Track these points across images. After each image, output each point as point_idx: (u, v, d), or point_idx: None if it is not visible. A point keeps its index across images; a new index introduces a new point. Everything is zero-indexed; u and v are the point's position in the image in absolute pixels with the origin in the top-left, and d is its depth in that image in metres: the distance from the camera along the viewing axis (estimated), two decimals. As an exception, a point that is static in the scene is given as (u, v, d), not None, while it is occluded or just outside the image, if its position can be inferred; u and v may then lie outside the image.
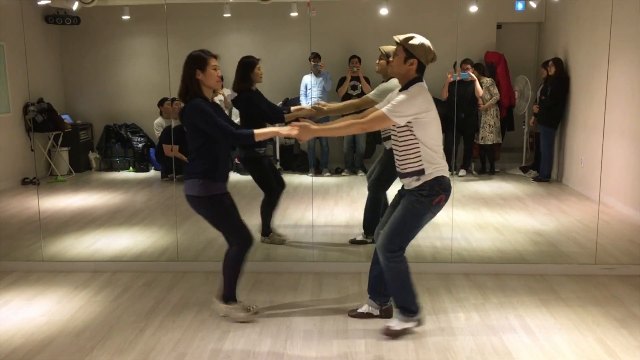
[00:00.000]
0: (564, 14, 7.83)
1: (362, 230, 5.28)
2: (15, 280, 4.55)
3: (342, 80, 7.93)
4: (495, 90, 8.09)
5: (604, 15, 6.03)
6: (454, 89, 7.47)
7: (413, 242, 4.94)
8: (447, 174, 3.49)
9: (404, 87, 3.48)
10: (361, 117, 3.60)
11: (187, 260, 4.89)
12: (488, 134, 8.09)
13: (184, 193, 3.66)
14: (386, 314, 3.75)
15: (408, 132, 3.42)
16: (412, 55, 3.43)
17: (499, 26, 8.46)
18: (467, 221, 5.91)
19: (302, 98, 7.98)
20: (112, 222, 6.12)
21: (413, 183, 3.46)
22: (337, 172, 8.17)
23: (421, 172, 3.42)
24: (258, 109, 5.02)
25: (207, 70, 3.63)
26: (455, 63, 7.70)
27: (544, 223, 5.89)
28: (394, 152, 3.56)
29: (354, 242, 5.29)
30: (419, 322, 3.61)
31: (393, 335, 3.54)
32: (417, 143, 3.41)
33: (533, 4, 7.52)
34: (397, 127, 3.45)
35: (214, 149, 3.61)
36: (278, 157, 8.15)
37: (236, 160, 8.31)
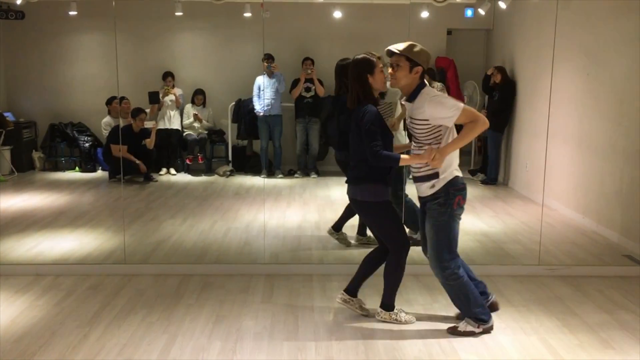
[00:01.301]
0: (510, 21, 8.06)
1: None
2: (-49, 285, 4.35)
3: (296, 82, 7.93)
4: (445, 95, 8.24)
5: (549, 23, 6.23)
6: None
7: (364, 243, 4.95)
8: (460, 173, 3.54)
9: (413, 96, 3.47)
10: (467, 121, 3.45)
11: (134, 263, 4.78)
12: (438, 137, 8.23)
13: (354, 198, 3.64)
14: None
15: (438, 132, 3.44)
16: (417, 63, 3.44)
17: (449, 32, 8.63)
18: (417, 223, 5.99)
19: (255, 99, 7.94)
20: (56, 224, 5.93)
21: (428, 191, 3.50)
22: (289, 174, 8.16)
23: (435, 175, 3.46)
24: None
25: (376, 74, 3.57)
26: (407, 67, 7.81)
27: (490, 225, 6.03)
28: (413, 153, 3.57)
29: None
30: (489, 330, 3.64)
31: (457, 335, 3.59)
32: (440, 143, 3.46)
33: (482, 11, 7.71)
34: (428, 127, 3.44)
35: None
36: (230, 158, 8.09)
37: (187, 161, 8.20)
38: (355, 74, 3.60)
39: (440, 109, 3.39)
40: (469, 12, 7.95)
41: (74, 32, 8.21)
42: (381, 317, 3.80)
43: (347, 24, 8.04)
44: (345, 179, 3.80)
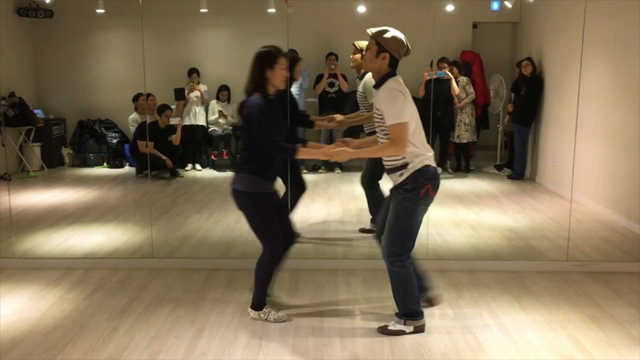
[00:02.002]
0: (538, 14, 7.94)
1: (370, 219, 5.50)
2: (-15, 278, 4.46)
3: (320, 78, 7.93)
4: (471, 89, 8.17)
5: (577, 15, 6.13)
6: (430, 87, 7.52)
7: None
8: (432, 162, 3.46)
9: (378, 84, 3.46)
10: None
11: (162, 257, 4.85)
12: (463, 132, 8.17)
13: (231, 186, 3.63)
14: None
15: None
16: (384, 49, 3.39)
17: (474, 25, 8.54)
18: (442, 218, 5.96)
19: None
20: (85, 219, 6.03)
21: (398, 179, 3.46)
22: (314, 169, 8.18)
23: (404, 166, 3.41)
24: (293, 106, 4.95)
25: (276, 69, 3.55)
26: (432, 61, 7.76)
27: (517, 220, 5.97)
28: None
29: (363, 230, 5.49)
30: (420, 330, 3.58)
31: (388, 334, 3.54)
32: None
33: (508, 4, 7.61)
34: (382, 124, 3.43)
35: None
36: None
37: (213, 157, 8.27)
38: (255, 64, 3.57)
39: (387, 104, 3.34)
40: (495, 5, 7.86)
41: (102, 30, 8.33)
42: (251, 317, 3.74)
43: (371, 18, 7.99)
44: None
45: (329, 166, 8.04)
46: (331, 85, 7.92)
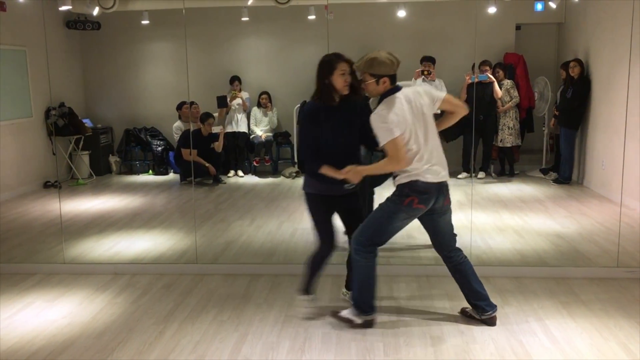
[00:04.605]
0: (584, 14, 7.75)
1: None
2: (38, 282, 4.62)
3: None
4: (515, 93, 8.02)
5: (625, 14, 5.95)
6: (472, 90, 7.43)
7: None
8: (424, 178, 3.47)
9: (379, 101, 3.54)
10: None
11: (205, 262, 4.92)
12: (507, 136, 8.03)
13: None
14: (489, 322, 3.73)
15: None
16: (381, 76, 3.47)
17: (518, 27, 8.39)
18: (486, 224, 5.86)
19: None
20: (131, 225, 6.18)
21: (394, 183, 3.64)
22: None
23: (394, 175, 3.58)
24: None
25: (335, 75, 3.60)
26: (474, 65, 7.66)
27: (564, 225, 5.82)
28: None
29: None
30: (368, 324, 3.68)
31: (337, 319, 3.72)
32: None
33: (552, 5, 7.45)
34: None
35: (321, 150, 3.64)
36: (296, 159, 8.16)
37: (255, 163, 8.36)
38: (317, 72, 3.66)
39: (376, 127, 3.41)
40: (539, 6, 7.70)
41: (146, 40, 8.55)
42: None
43: (412, 22, 7.97)
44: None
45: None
46: (372, 90, 7.89)
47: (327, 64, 3.59)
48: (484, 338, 3.54)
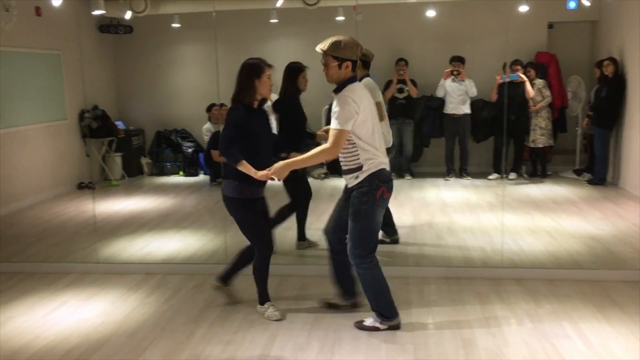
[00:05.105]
0: (619, 12, 7.58)
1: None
2: (72, 282, 4.71)
3: (389, 84, 7.89)
4: (548, 93, 7.89)
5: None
6: (503, 90, 7.33)
7: (462, 245, 4.86)
8: (386, 166, 3.56)
9: (338, 89, 3.52)
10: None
11: (235, 263, 4.94)
12: (539, 136, 7.90)
13: (222, 192, 3.86)
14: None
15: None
16: (344, 59, 3.47)
17: (550, 26, 8.25)
18: (518, 225, 5.77)
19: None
20: (162, 226, 6.26)
21: (353, 181, 3.56)
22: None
23: (359, 169, 3.51)
24: (295, 115, 5.04)
25: (263, 79, 3.74)
26: (505, 64, 7.56)
27: (599, 227, 5.70)
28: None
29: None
30: (395, 328, 3.66)
31: (362, 329, 3.66)
32: (354, 141, 3.47)
33: (586, 2, 7.29)
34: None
35: (249, 152, 3.71)
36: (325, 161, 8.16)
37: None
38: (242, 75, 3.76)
39: (338, 109, 3.41)
40: (572, 4, 7.55)
41: (177, 43, 8.65)
42: (257, 310, 3.95)
43: (441, 22, 7.90)
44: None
45: (399, 173, 7.97)
46: (400, 91, 7.86)
47: (257, 67, 3.74)
48: (516, 341, 3.49)
